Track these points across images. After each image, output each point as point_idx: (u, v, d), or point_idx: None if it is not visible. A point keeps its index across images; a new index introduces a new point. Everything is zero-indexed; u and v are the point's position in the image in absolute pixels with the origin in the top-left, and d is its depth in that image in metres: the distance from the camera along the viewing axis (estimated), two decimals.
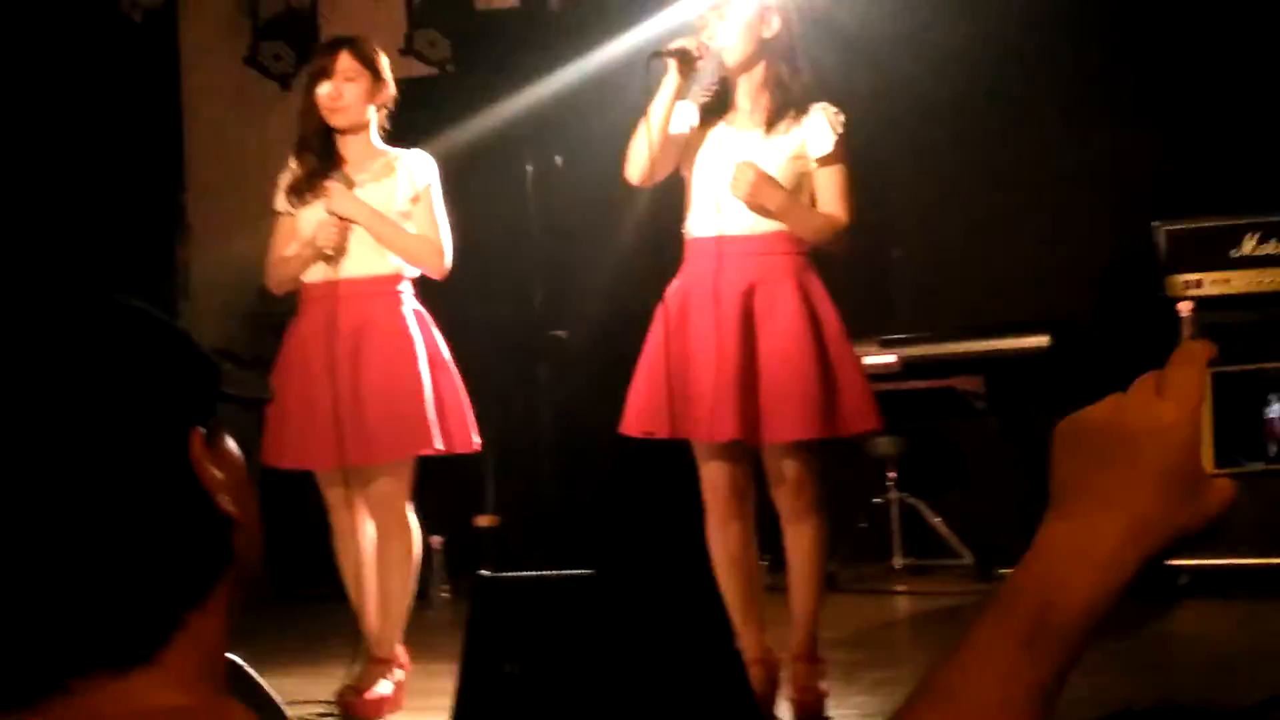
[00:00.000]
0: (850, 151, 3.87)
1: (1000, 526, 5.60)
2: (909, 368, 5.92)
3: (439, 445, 4.13)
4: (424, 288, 4.31)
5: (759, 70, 3.88)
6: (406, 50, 6.48)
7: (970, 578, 5.82)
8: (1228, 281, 5.27)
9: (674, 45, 3.83)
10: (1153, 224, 5.45)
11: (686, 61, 3.81)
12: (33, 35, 6.37)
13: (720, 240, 3.85)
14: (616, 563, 3.73)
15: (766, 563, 4.26)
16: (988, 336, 5.90)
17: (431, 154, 4.32)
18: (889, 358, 5.88)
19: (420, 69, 6.53)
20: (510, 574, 3.17)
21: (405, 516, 4.20)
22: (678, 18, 4.47)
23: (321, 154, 4.24)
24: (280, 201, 4.29)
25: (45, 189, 6.22)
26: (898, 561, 6.06)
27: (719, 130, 3.91)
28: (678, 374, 3.81)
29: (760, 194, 3.75)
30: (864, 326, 5.04)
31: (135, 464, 0.93)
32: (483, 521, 6.12)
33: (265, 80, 6.87)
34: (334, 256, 4.15)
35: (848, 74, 4.79)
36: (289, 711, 1.13)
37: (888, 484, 6.08)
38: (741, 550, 3.91)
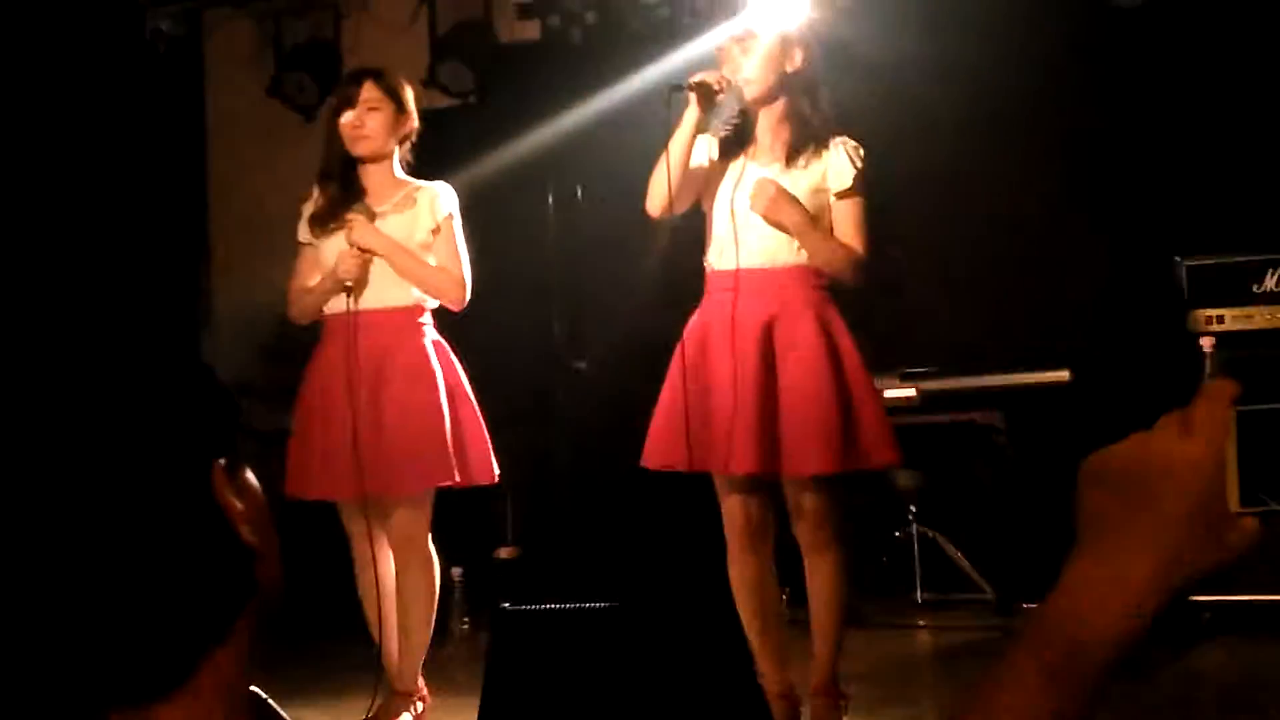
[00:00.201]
0: (868, 182, 3.88)
1: (1021, 561, 5.58)
2: (928, 401, 5.91)
3: (457, 477, 4.13)
4: (443, 318, 4.32)
5: (780, 104, 3.89)
6: (429, 81, 6.52)
7: (991, 612, 5.80)
8: (1250, 317, 5.25)
9: (695, 79, 3.84)
10: (1175, 259, 5.44)
11: (707, 95, 3.82)
12: (59, 65, 6.42)
13: (739, 274, 3.85)
14: (638, 596, 3.72)
15: (786, 596, 4.25)
16: (1007, 371, 5.89)
17: (453, 184, 4.33)
18: (908, 391, 5.87)
19: (443, 100, 6.56)
20: (531, 607, 3.16)
21: (425, 548, 4.19)
22: (699, 50, 4.49)
23: (344, 184, 4.25)
24: (303, 232, 4.31)
25: (70, 216, 6.25)
26: (919, 596, 6.04)
27: (739, 164, 3.91)
28: (697, 407, 3.81)
29: (779, 210, 3.76)
30: (883, 360, 5.04)
31: (158, 497, 0.94)
32: (503, 553, 6.12)
33: (288, 110, 6.91)
34: (355, 288, 4.17)
35: (866, 103, 4.79)
36: None
37: (909, 518, 6.07)
38: (762, 583, 3.91)
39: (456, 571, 5.91)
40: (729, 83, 3.84)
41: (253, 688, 1.03)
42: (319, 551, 4.37)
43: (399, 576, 4.20)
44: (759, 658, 3.78)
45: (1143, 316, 5.89)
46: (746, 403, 3.75)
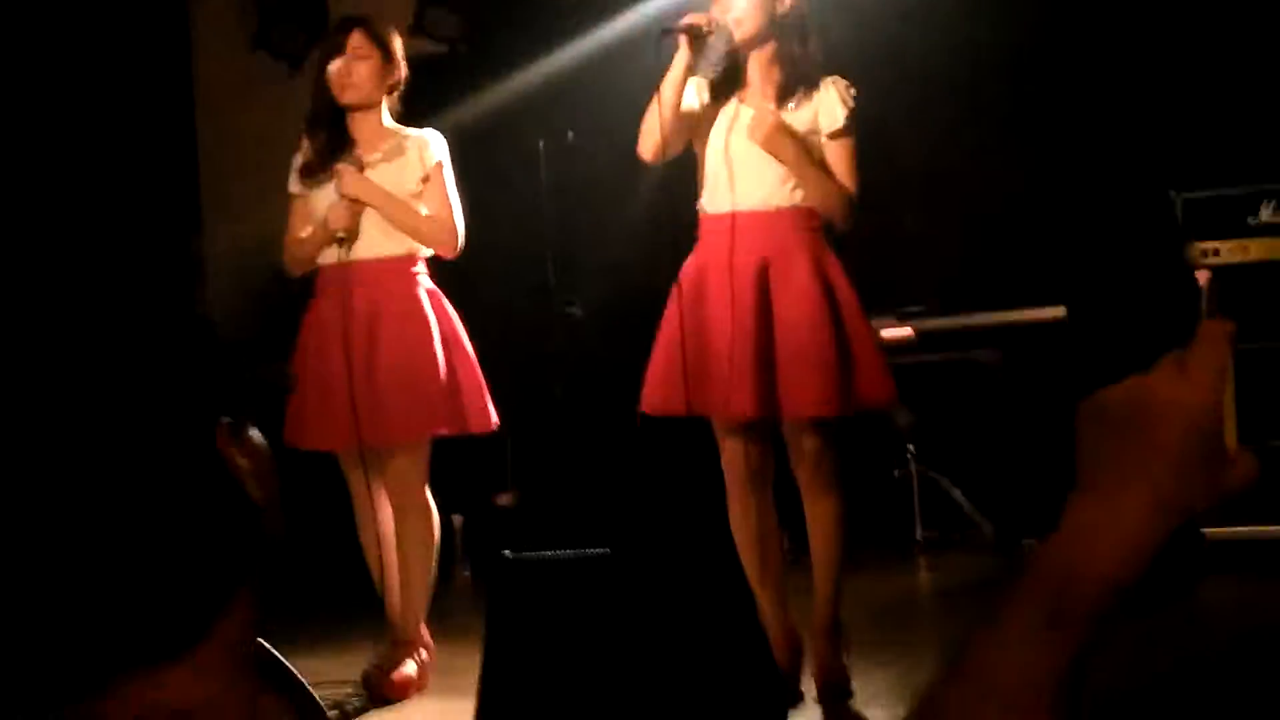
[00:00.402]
0: (860, 123, 3.86)
1: (1020, 497, 5.60)
2: (925, 341, 5.91)
3: (451, 427, 4.14)
4: (437, 266, 4.31)
5: (770, 46, 3.86)
6: (416, 27, 6.48)
7: (991, 549, 5.82)
8: (1246, 250, 5.25)
9: (684, 21, 3.82)
10: (1170, 192, 5.42)
11: (697, 37, 3.80)
12: (42, 20, 6.37)
13: (734, 216, 3.84)
14: (638, 540, 3.73)
15: (786, 538, 4.26)
16: (1003, 308, 5.89)
17: (442, 131, 4.31)
18: (905, 330, 5.87)
19: (430, 46, 6.51)
20: (531, 554, 3.17)
21: (423, 497, 4.21)
22: None
23: (332, 133, 4.24)
24: (294, 183, 4.29)
25: (57, 175, 6.22)
26: (918, 535, 6.06)
27: (731, 106, 3.89)
28: (694, 351, 3.81)
29: (777, 141, 3.75)
30: (878, 299, 5.03)
31: (165, 457, 0.93)
32: (503, 500, 6.13)
33: (275, 62, 6.87)
34: (347, 239, 4.16)
35: (858, 44, 4.76)
36: (316, 693, 1.14)
37: (907, 457, 6.08)
38: (762, 526, 3.92)
39: (457, 519, 5.93)
40: (718, 24, 3.81)
41: (259, 640, 1.03)
42: (321, 501, 4.38)
43: (398, 526, 4.22)
44: (760, 600, 3.79)
45: (1139, 250, 5.88)
46: (744, 346, 3.74)
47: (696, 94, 3.87)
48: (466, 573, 6.06)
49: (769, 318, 3.78)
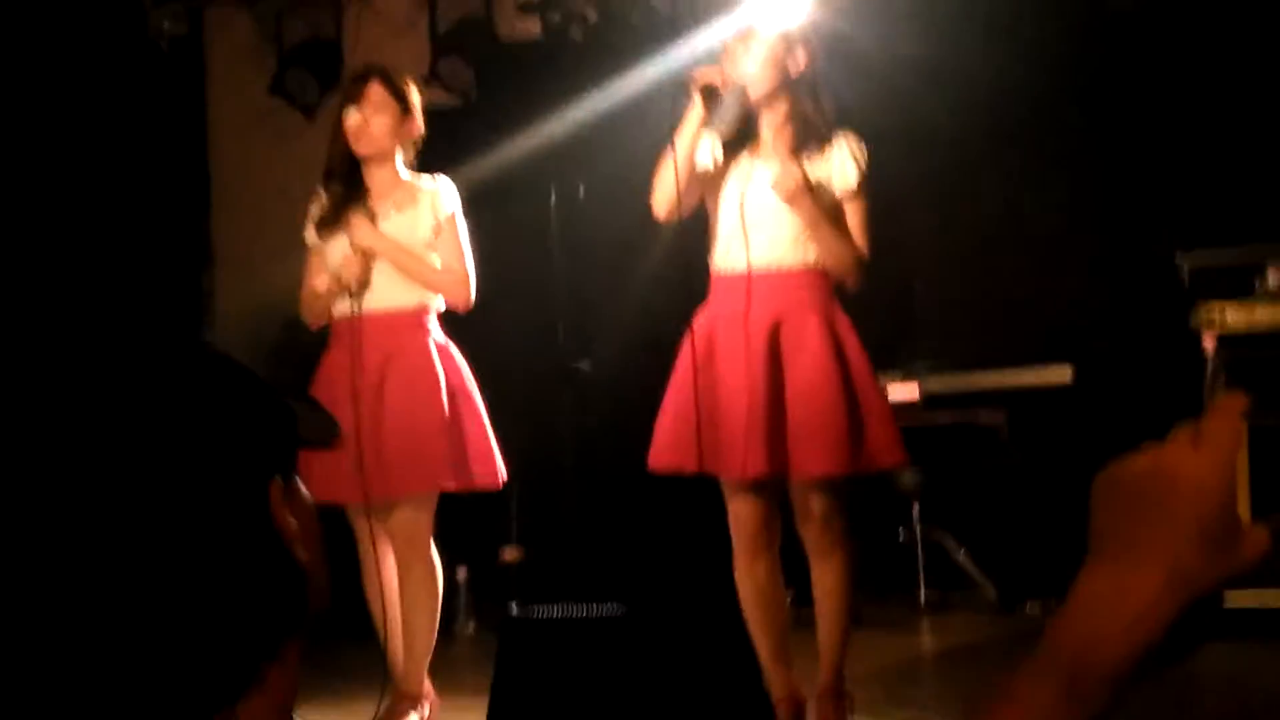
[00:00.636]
0: (870, 182, 3.88)
1: (1024, 559, 5.58)
2: (931, 401, 5.91)
3: (455, 482, 4.13)
4: (448, 319, 4.31)
5: (783, 103, 3.88)
6: (430, 78, 6.51)
7: (995, 611, 5.80)
8: (1252, 313, 5.25)
9: (698, 76, 3.84)
10: (1176, 254, 5.44)
11: (711, 94, 3.82)
12: (63, 64, 6.42)
13: (748, 275, 3.85)
14: (642, 598, 3.72)
15: (791, 597, 4.25)
16: (1010, 369, 5.89)
17: (454, 182, 4.33)
18: (911, 390, 5.87)
19: (444, 97, 6.55)
20: (539, 612, 3.16)
21: (427, 550, 4.19)
22: (701, 48, 4.48)
23: (347, 184, 4.26)
24: (309, 234, 4.31)
25: (72, 215, 6.25)
26: (922, 596, 6.04)
27: (745, 163, 3.91)
28: (706, 410, 3.81)
29: (798, 198, 3.75)
30: (885, 359, 5.04)
31: (218, 517, 0.93)
32: (508, 555, 6.12)
33: (290, 108, 6.91)
34: (357, 290, 4.17)
35: (868, 103, 4.79)
36: None
37: (912, 518, 6.07)
38: (769, 585, 3.90)
39: (462, 571, 5.91)
40: (731, 81, 3.83)
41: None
42: (328, 553, 4.37)
43: (402, 578, 4.21)
44: (764, 660, 3.78)
45: (1146, 313, 5.89)
46: (757, 405, 3.74)
47: (710, 151, 3.89)
48: (471, 626, 6.03)
49: (781, 377, 3.78)
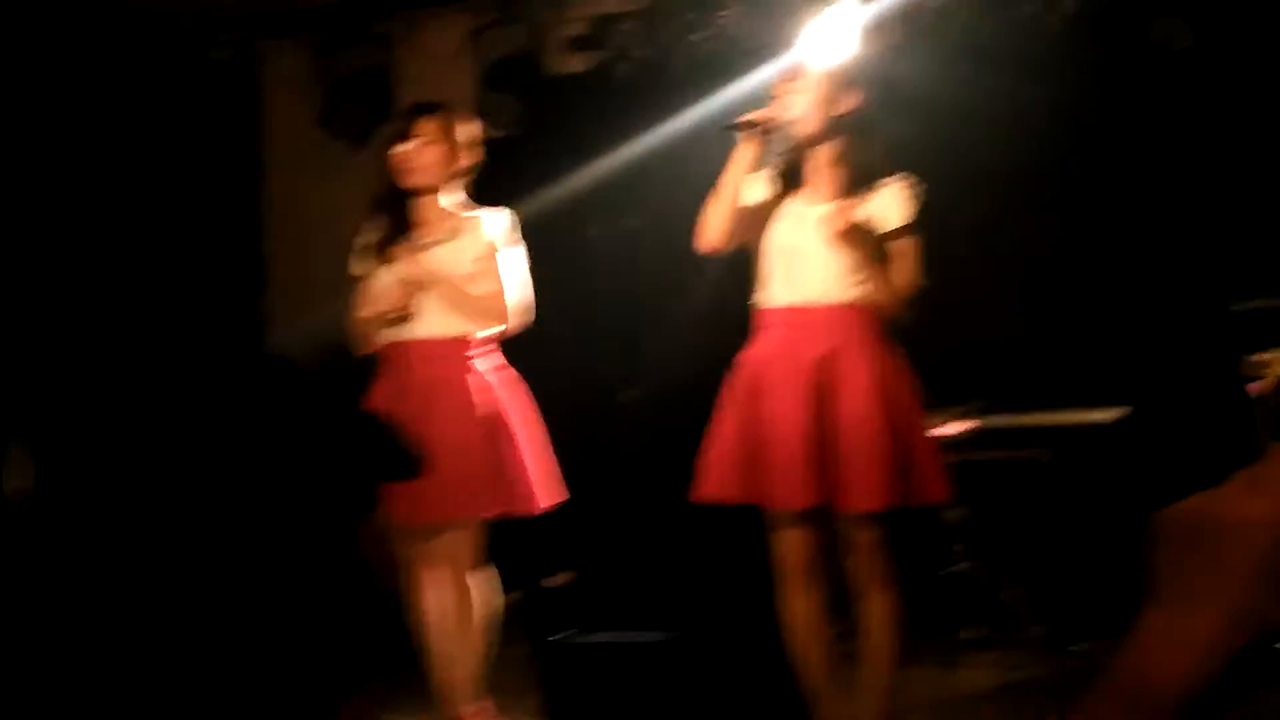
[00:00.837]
0: (923, 222, 3.88)
1: (1070, 598, 5.55)
2: (979, 438, 5.90)
3: (492, 509, 4.15)
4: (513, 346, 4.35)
5: (832, 143, 3.90)
6: (478, 113, 6.55)
7: (1039, 649, 5.76)
8: None
9: (746, 117, 3.86)
10: (1229, 302, 5.42)
11: (758, 133, 3.84)
12: (120, 96, 6.51)
13: (794, 310, 3.87)
14: (684, 630, 3.73)
15: (839, 630, 4.25)
16: (1059, 409, 5.88)
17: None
18: (960, 427, 5.86)
19: (491, 131, 6.59)
20: (584, 638, 3.18)
21: (470, 575, 4.21)
22: (749, 86, 4.51)
23: (395, 216, 4.32)
24: (356, 264, 4.37)
25: (130, 244, 6.33)
26: (967, 633, 6.01)
27: (792, 203, 3.93)
28: (751, 441, 3.82)
29: (849, 237, 3.76)
30: (933, 396, 5.03)
31: (318, 552, 0.96)
32: (554, 581, 6.12)
33: (339, 140, 6.97)
34: (401, 320, 4.22)
35: (921, 144, 4.80)
36: None
37: (957, 554, 6.04)
38: (814, 619, 3.90)
39: (509, 597, 5.92)
40: (780, 121, 3.85)
41: None
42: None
43: (447, 602, 4.22)
44: (808, 695, 3.77)
45: (1197, 358, 5.86)
46: (806, 438, 3.75)
47: (757, 189, 3.91)
48: (522, 651, 6.03)
49: (828, 411, 3.79)
